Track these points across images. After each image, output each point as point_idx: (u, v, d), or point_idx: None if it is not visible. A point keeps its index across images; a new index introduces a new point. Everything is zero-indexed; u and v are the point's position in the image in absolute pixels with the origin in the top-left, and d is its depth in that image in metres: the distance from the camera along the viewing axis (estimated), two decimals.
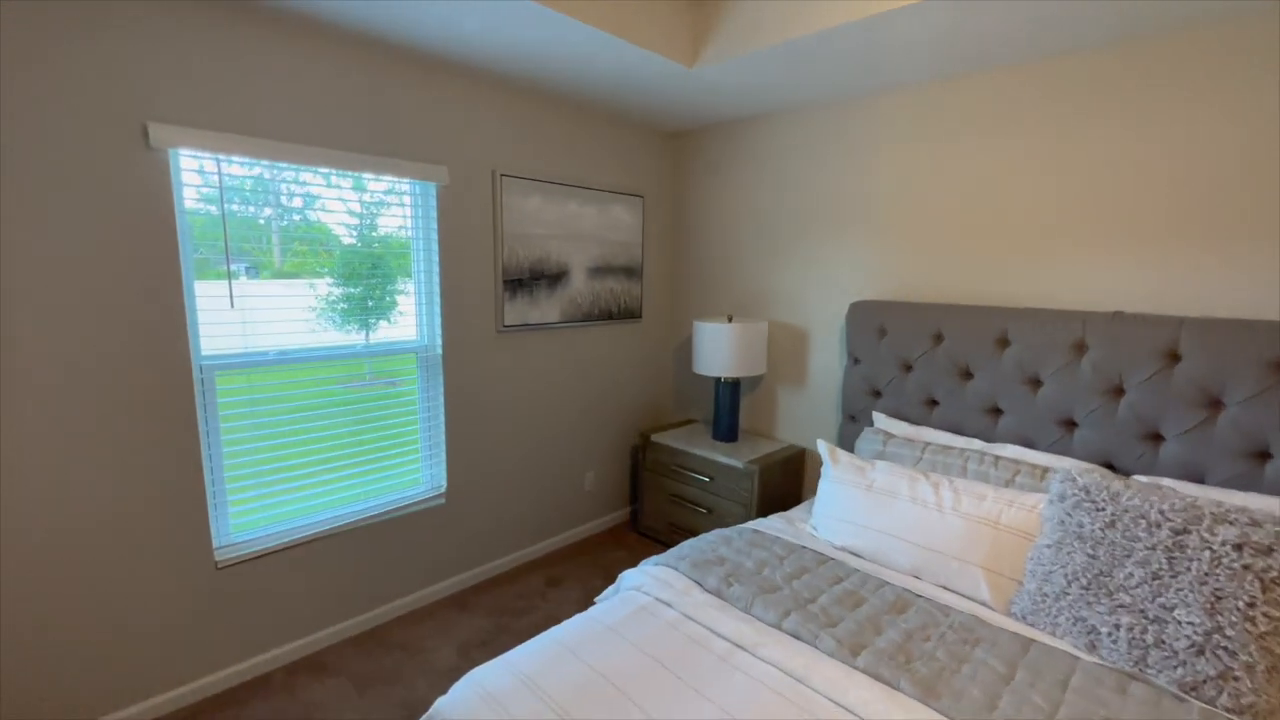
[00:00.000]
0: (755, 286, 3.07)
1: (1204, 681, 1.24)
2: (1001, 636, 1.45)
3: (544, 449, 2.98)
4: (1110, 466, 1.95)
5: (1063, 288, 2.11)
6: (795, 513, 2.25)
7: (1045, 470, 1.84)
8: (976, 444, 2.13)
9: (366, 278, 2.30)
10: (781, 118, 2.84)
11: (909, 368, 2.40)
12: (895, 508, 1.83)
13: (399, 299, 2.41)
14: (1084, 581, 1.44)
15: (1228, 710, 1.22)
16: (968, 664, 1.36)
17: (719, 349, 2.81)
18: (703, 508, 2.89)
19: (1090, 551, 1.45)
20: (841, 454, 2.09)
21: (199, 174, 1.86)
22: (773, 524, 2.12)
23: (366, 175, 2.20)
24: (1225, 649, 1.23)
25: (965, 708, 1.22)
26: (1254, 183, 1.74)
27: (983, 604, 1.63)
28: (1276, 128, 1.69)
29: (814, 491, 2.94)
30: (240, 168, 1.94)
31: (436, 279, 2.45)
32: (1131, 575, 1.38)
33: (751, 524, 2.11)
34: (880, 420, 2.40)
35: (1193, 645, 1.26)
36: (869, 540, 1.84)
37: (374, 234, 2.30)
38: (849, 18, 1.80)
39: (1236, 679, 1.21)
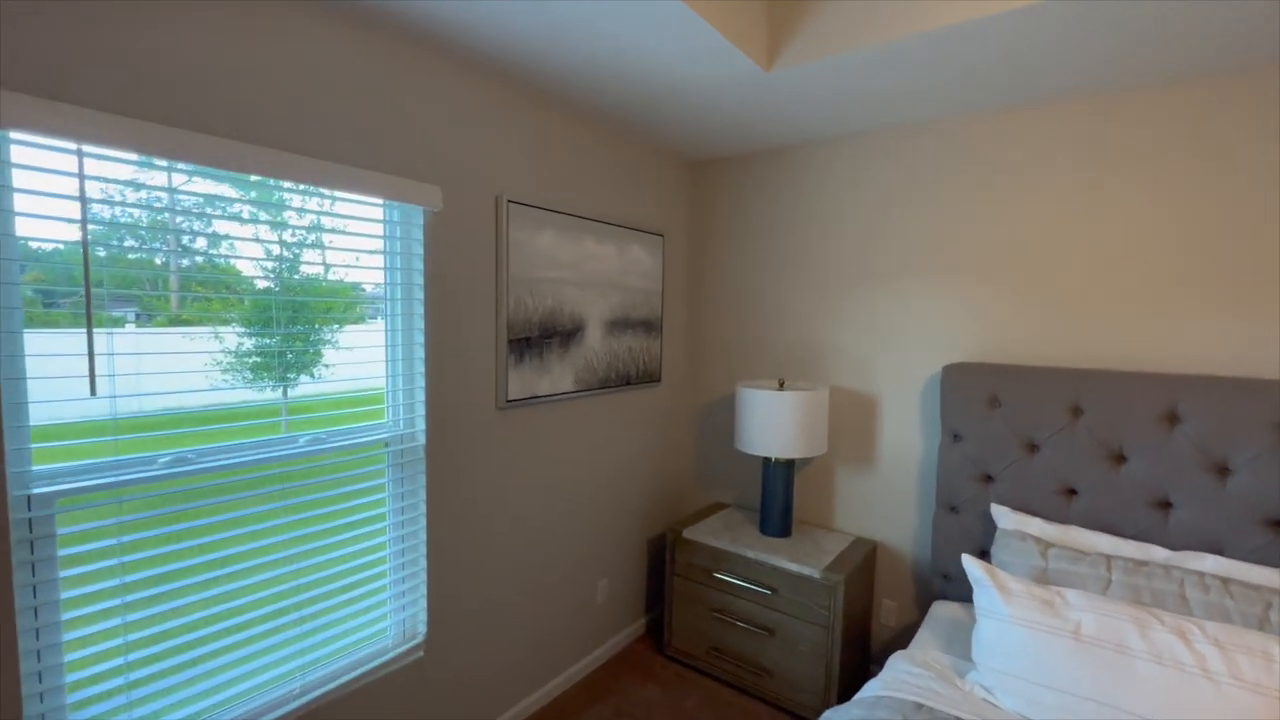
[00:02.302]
0: (802, 344, 2.56)
1: None
2: None
3: (551, 558, 2.25)
4: None
5: (1223, 351, 1.71)
6: (932, 656, 1.66)
7: None
8: (1158, 553, 1.65)
9: (298, 337, 1.57)
10: (839, 143, 2.40)
11: (1034, 447, 1.92)
12: (1127, 670, 1.28)
13: (359, 367, 1.68)
14: None
15: None
16: None
17: (772, 422, 2.24)
18: (762, 628, 2.25)
19: None
20: (1008, 578, 1.53)
21: (52, 175, 1.12)
22: (920, 682, 1.52)
23: (325, 191, 1.51)
24: None
25: None
26: None
27: None
28: None
29: (897, 598, 2.38)
30: (128, 168, 1.21)
31: (419, 340, 1.76)
32: None
33: (894, 691, 1.49)
34: (1002, 516, 1.89)
35: None
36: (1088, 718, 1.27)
37: (321, 279, 1.59)
38: (1009, 5, 1.36)
39: None
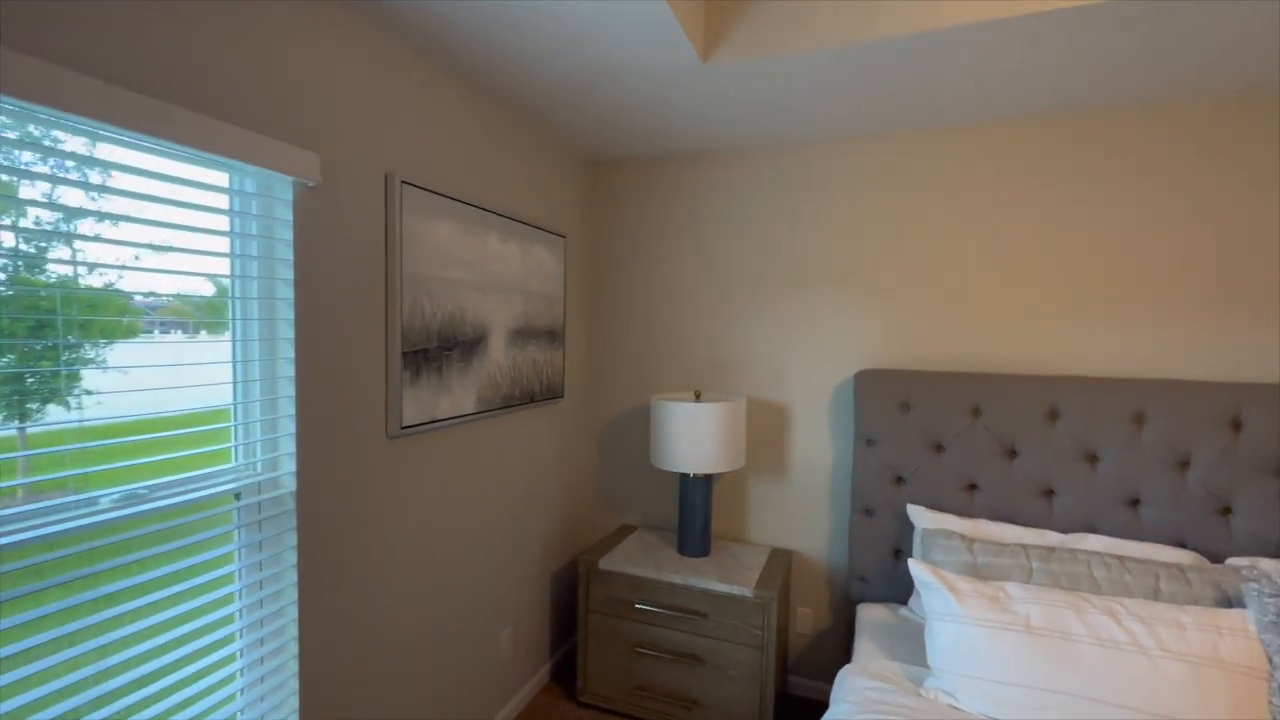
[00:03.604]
0: (712, 355, 2.49)
1: None
2: None
3: (452, 613, 1.88)
4: (1183, 545, 1.78)
5: (1096, 355, 1.97)
6: (883, 667, 1.64)
7: (1172, 570, 1.56)
8: (1053, 537, 1.82)
9: (46, 355, 1.10)
10: (755, 153, 2.38)
11: (941, 448, 2.04)
12: (1075, 656, 1.35)
13: (189, 393, 1.23)
14: None
15: None
16: None
17: (692, 436, 2.13)
18: (690, 657, 2.10)
19: None
20: (956, 579, 1.56)
21: None
22: (886, 697, 1.47)
23: (152, 144, 1.06)
24: None
25: None
26: None
27: None
28: None
29: (812, 606, 2.38)
30: None
31: (287, 354, 1.33)
32: None
33: (871, 714, 1.42)
34: (919, 515, 1.97)
35: None
36: (1058, 712, 1.32)
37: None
38: (967, 18, 1.41)
39: None
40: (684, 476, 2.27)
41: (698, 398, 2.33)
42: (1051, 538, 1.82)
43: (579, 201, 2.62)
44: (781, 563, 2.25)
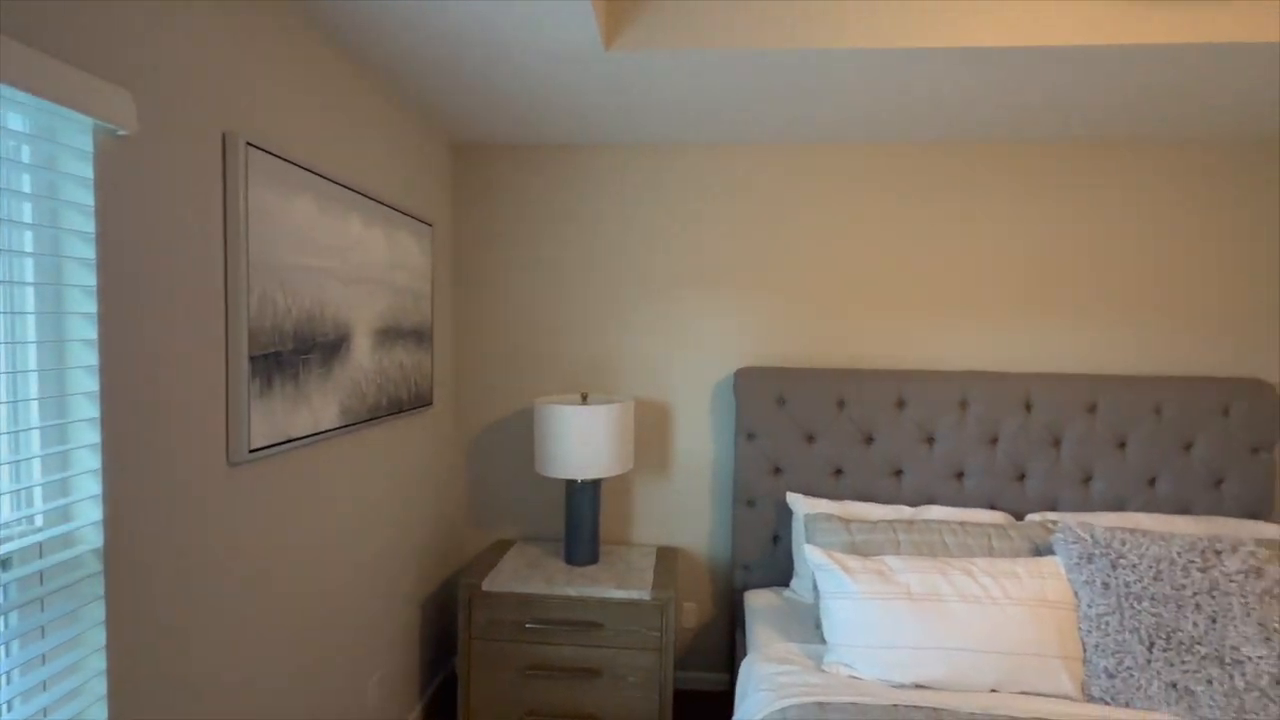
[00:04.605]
0: (593, 355, 2.43)
1: None
2: None
3: (309, 663, 1.56)
4: (994, 508, 2.16)
5: (940, 352, 2.30)
6: (784, 650, 1.72)
7: (997, 528, 1.87)
8: (906, 510, 2.08)
9: None
10: (641, 150, 2.36)
11: (812, 438, 2.22)
12: (948, 614, 1.55)
13: None
14: (1163, 644, 1.44)
15: None
16: None
17: (580, 440, 2.05)
18: (587, 671, 2.01)
19: (1154, 611, 1.47)
20: (847, 559, 1.70)
21: None
22: (798, 678, 1.54)
23: None
24: None
25: None
26: (1089, 268, 2.23)
27: (1066, 698, 1.49)
28: (1113, 228, 2.21)
29: (696, 599, 2.43)
30: None
31: (89, 360, 0.97)
32: (1197, 624, 1.45)
33: (792, 698, 1.47)
34: (797, 502, 2.12)
35: (1272, 677, 1.37)
36: (944, 665, 1.50)
37: None
38: (873, 44, 1.53)
39: None
40: (571, 483, 2.17)
41: (585, 400, 2.25)
42: (904, 511, 2.07)
43: (445, 186, 2.36)
44: (669, 561, 2.26)
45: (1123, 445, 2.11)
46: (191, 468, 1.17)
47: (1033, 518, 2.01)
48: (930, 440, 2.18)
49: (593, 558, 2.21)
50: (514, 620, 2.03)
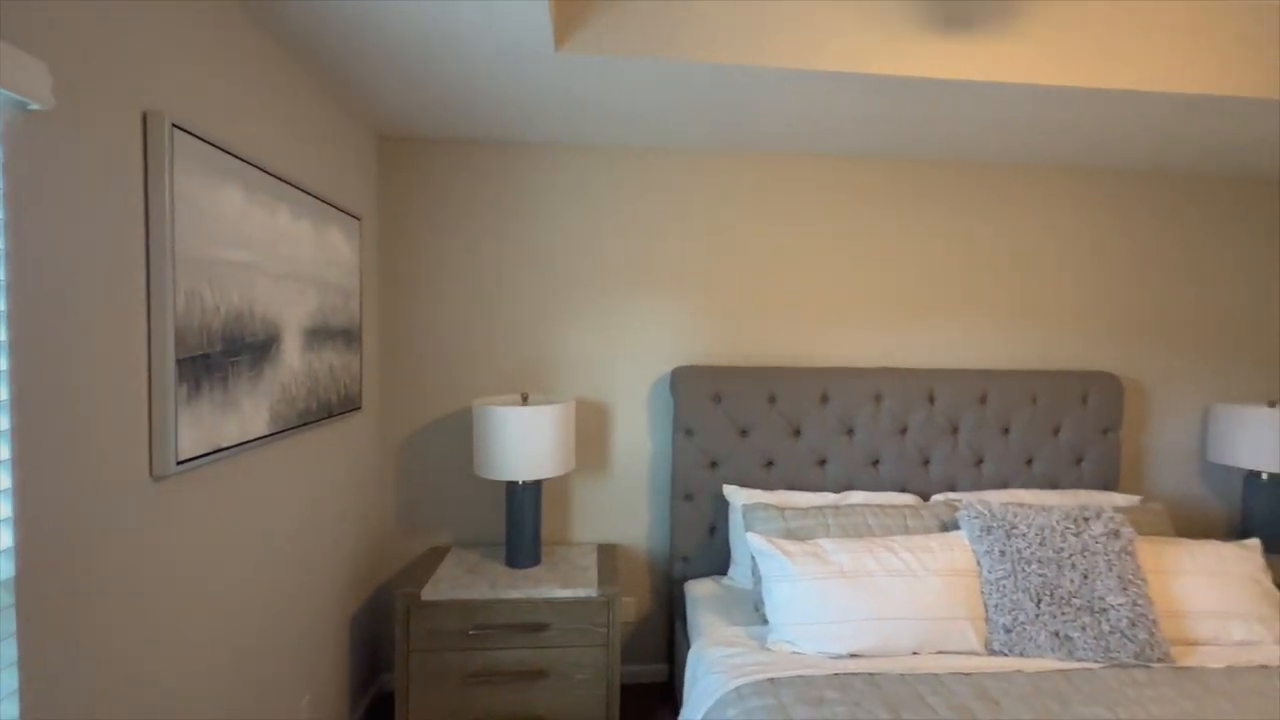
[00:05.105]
0: (531, 355, 2.41)
1: (1146, 646, 1.62)
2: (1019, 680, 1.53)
3: (240, 689, 1.45)
4: (905, 490, 2.39)
5: (858, 351, 2.50)
6: (730, 634, 1.81)
7: (910, 509, 2.08)
8: (830, 496, 2.25)
9: None
10: (590, 152, 2.36)
11: (745, 432, 2.34)
12: (876, 587, 1.71)
13: None
14: (1048, 599, 1.68)
15: (1159, 661, 1.63)
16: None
17: (522, 441, 2.04)
18: (534, 673, 2.00)
19: (1041, 573, 1.71)
20: (786, 544, 1.82)
21: None
22: (746, 658, 1.63)
23: None
24: (1144, 615, 1.65)
25: None
26: (976, 278, 2.50)
27: (973, 653, 1.69)
28: (1009, 238, 2.49)
29: (635, 594, 2.48)
30: None
31: None
32: (1073, 580, 1.70)
33: (744, 677, 1.56)
34: (734, 494, 2.24)
35: (1130, 620, 1.64)
36: (873, 635, 1.65)
37: None
38: (804, 64, 1.64)
39: (1153, 632, 1.64)
40: (512, 485, 2.15)
41: (525, 401, 2.23)
42: (829, 497, 2.24)
43: (372, 179, 2.25)
44: (610, 557, 2.30)
45: (1007, 431, 2.41)
46: (113, 484, 1.05)
47: (937, 498, 2.25)
48: (850, 432, 2.37)
49: (535, 559, 2.20)
50: (456, 628, 1.98)
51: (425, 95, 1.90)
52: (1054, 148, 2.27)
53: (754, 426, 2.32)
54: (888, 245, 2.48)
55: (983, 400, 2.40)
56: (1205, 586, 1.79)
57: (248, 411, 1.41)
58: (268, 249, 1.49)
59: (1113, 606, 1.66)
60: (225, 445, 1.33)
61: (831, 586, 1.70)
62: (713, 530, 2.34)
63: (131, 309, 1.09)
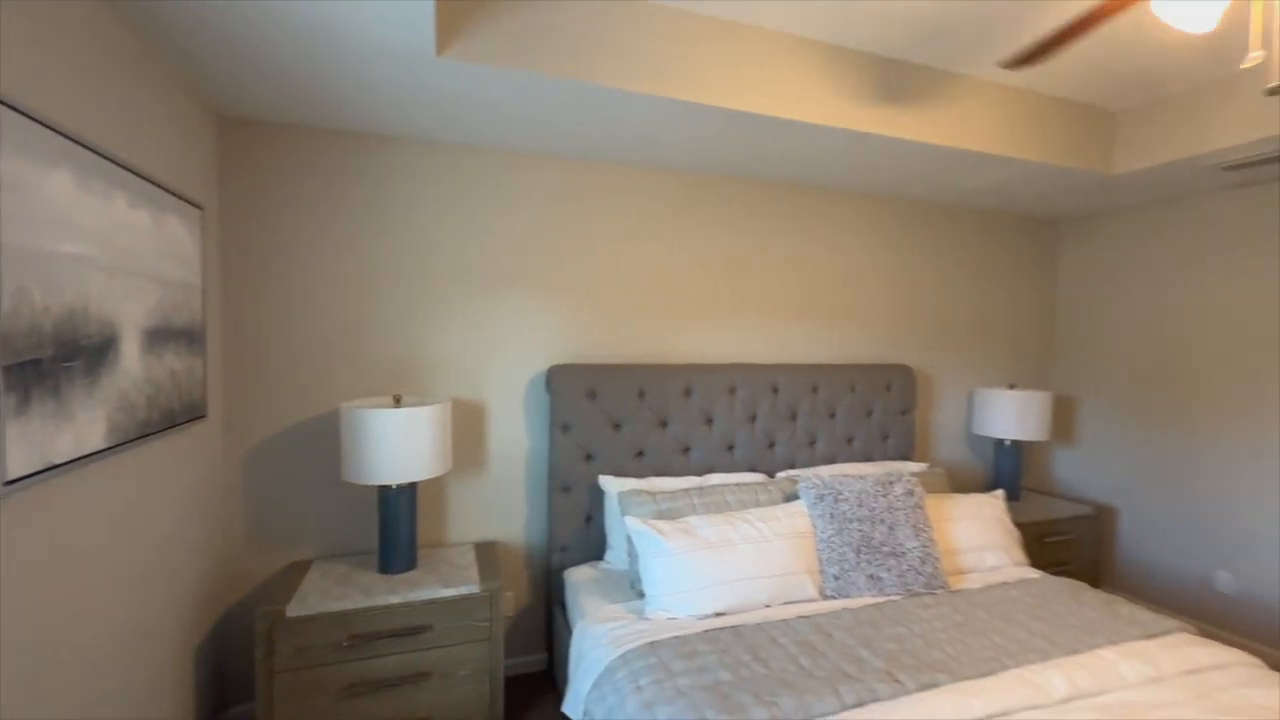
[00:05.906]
0: (401, 356, 2.36)
1: (931, 578, 2.08)
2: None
3: None
4: (754, 470, 2.73)
5: (719, 350, 2.78)
6: (611, 610, 1.96)
7: (760, 485, 2.41)
8: (694, 480, 2.50)
9: None
10: (463, 150, 2.34)
11: (618, 426, 2.51)
12: (737, 553, 1.97)
13: None
14: (865, 551, 2.07)
15: (940, 588, 2.09)
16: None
17: (395, 444, 2.02)
18: (418, 674, 1.98)
19: (860, 528, 2.10)
20: (659, 524, 2.01)
21: None
22: (628, 628, 1.80)
23: None
24: (930, 554, 2.11)
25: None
26: (809, 286, 2.90)
27: (811, 600, 2.03)
28: (840, 255, 2.89)
29: (514, 588, 2.54)
30: None
31: None
32: (882, 533, 2.11)
33: (627, 645, 1.71)
34: (609, 484, 2.40)
35: (921, 559, 2.09)
36: (735, 594, 1.90)
37: None
38: (674, 94, 1.84)
39: (936, 567, 2.10)
40: (385, 489, 2.10)
41: (398, 402, 2.18)
42: (693, 481, 2.50)
43: (213, 166, 2.04)
44: (489, 554, 2.33)
45: (833, 415, 2.86)
46: None
47: (781, 475, 2.62)
48: (710, 421, 2.65)
49: (412, 563, 2.17)
50: (329, 642, 1.89)
51: (276, 79, 1.79)
52: (869, 179, 2.75)
53: (626, 420, 2.50)
54: (740, 257, 2.81)
55: (815, 390, 2.83)
56: (969, 529, 2.32)
57: (84, 423, 1.26)
58: (103, 240, 1.33)
59: (909, 550, 2.10)
60: (59, 462, 1.18)
61: (699, 557, 1.93)
62: (589, 519, 2.48)
63: None
